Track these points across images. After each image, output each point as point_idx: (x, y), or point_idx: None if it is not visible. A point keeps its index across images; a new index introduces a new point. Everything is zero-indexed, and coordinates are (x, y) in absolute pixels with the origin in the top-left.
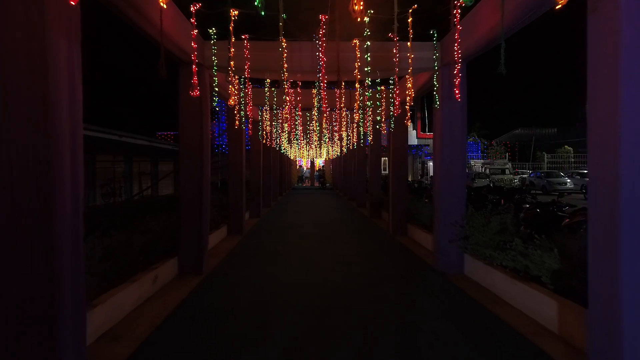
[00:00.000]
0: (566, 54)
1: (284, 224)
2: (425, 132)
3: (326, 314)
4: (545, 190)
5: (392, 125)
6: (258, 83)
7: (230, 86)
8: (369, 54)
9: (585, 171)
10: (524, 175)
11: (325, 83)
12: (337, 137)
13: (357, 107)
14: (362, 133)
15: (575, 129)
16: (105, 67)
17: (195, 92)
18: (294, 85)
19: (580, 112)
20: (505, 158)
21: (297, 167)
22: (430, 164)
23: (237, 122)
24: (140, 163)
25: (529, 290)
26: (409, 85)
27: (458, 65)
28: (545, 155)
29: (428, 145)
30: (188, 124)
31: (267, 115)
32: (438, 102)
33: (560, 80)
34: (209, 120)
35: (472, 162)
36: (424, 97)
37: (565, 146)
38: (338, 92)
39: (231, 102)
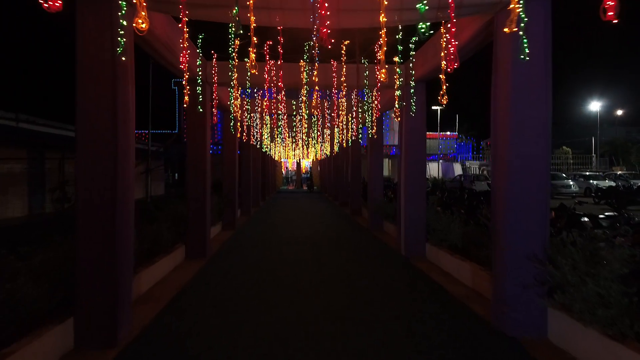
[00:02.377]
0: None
1: (264, 240)
2: None
3: None
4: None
5: (414, 108)
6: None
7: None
8: None
9: (588, 173)
10: None
11: (326, 30)
12: (329, 128)
13: (381, 60)
14: (367, 120)
15: (566, 129)
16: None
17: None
18: (273, 53)
19: (572, 113)
20: None
21: (283, 168)
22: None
23: (186, 98)
24: None
25: None
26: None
27: None
28: None
29: None
30: (91, 89)
31: (242, 100)
32: (526, 50)
33: None
34: (132, 85)
35: (467, 164)
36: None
37: (563, 147)
38: (335, 64)
39: (140, 23)
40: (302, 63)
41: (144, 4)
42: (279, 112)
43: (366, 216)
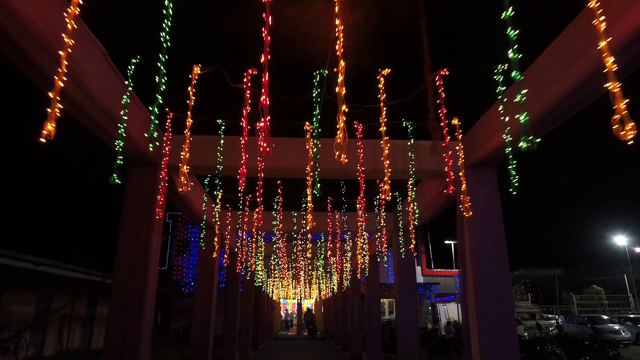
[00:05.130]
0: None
1: None
2: (432, 268)
3: None
4: (594, 340)
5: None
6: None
7: None
8: None
9: (632, 315)
10: (552, 321)
11: None
12: (340, 248)
13: None
14: (400, 230)
15: (581, 269)
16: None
17: None
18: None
19: (585, 252)
20: (528, 300)
21: (282, 310)
22: (442, 306)
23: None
24: (66, 301)
25: None
26: None
27: None
28: (574, 296)
29: (438, 283)
30: None
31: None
32: None
33: (558, 220)
34: None
35: None
36: (426, 228)
37: (594, 285)
38: (361, 136)
39: None
40: (309, 139)
41: None
42: (274, 228)
43: None
